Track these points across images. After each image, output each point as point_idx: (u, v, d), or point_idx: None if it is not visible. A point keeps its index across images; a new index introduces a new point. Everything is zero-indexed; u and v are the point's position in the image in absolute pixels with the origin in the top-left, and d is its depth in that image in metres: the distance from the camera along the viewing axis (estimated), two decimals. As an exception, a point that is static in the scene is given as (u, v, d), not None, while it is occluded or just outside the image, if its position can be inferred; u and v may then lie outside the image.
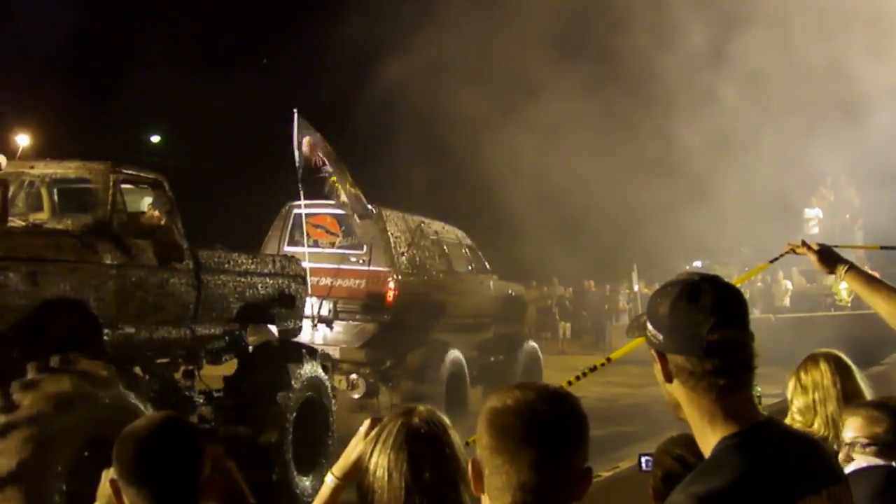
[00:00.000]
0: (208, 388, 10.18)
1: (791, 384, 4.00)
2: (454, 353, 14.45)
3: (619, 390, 19.47)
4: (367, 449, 2.54)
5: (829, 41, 22.84)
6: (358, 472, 2.55)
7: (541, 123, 26.35)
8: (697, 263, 30.01)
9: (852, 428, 3.38)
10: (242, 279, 10.13)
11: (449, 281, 15.43)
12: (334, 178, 13.73)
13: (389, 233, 14.18)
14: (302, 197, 14.05)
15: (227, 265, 9.89)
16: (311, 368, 10.36)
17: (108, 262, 8.10)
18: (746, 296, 2.42)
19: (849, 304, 25.77)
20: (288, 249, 13.85)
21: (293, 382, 9.96)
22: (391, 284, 13.85)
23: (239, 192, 27.08)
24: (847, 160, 26.34)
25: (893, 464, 3.25)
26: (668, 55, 23.70)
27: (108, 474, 2.70)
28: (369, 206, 13.98)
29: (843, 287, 26.35)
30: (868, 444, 3.32)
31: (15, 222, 8.24)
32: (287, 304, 10.99)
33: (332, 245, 14.36)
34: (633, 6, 25.24)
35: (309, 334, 13.08)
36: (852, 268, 4.28)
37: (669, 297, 2.20)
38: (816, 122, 24.06)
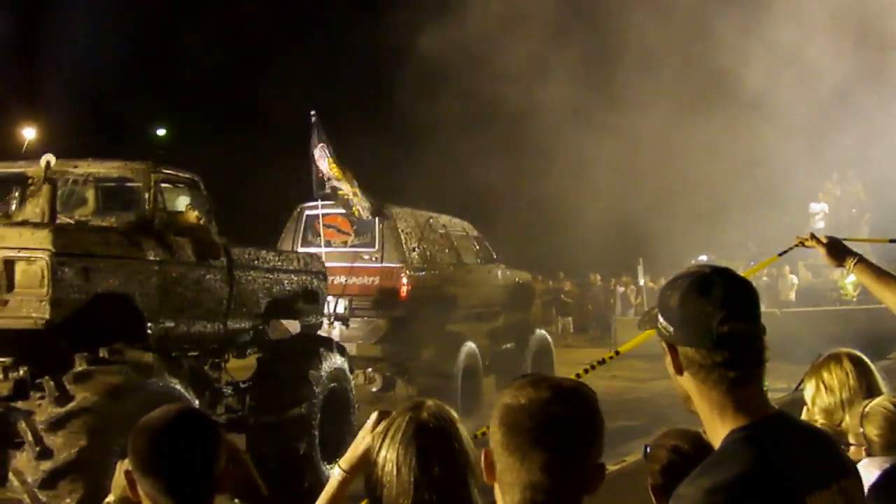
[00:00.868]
0: (234, 379, 10.77)
1: (812, 384, 3.96)
2: (469, 346, 15.01)
3: (625, 384, 19.66)
4: (375, 443, 2.59)
5: (835, 33, 23.27)
6: (365, 464, 2.60)
7: (547, 115, 26.80)
8: (703, 258, 30.23)
9: (875, 425, 3.44)
10: (270, 276, 10.72)
11: (459, 273, 16.00)
12: (342, 192, 14.30)
13: (400, 229, 14.73)
14: (316, 197, 14.63)
15: (256, 262, 10.50)
16: (335, 360, 10.95)
17: (152, 258, 8.72)
18: (752, 290, 2.53)
19: (854, 299, 26.04)
20: (301, 250, 14.40)
21: (320, 373, 10.54)
22: (404, 280, 14.40)
23: (246, 186, 27.61)
24: (854, 154, 26.76)
25: None
26: (675, 47, 23.98)
27: (123, 465, 2.82)
28: (378, 207, 14.55)
29: (849, 281, 26.43)
30: (891, 446, 3.39)
31: (62, 219, 8.80)
32: (310, 300, 11.59)
33: (345, 244, 14.90)
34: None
35: (325, 332, 13.65)
36: (861, 260, 4.32)
37: (680, 289, 2.23)
38: (823, 115, 24.51)
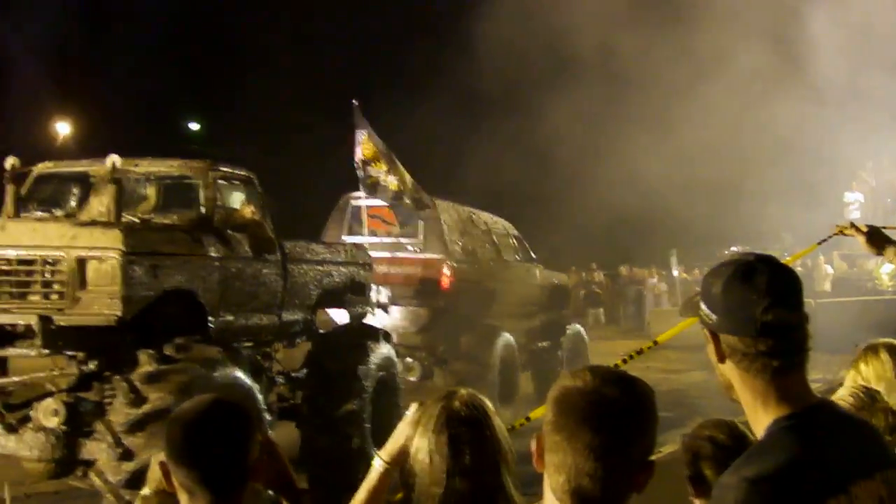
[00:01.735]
0: (284, 369, 11.23)
1: (851, 375, 3.98)
2: (506, 337, 15.41)
3: (659, 376, 19.59)
4: (408, 432, 2.68)
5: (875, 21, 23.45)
6: (405, 456, 2.67)
7: (583, 109, 27.16)
8: (736, 248, 30.51)
9: None
10: (320, 268, 11.17)
11: (498, 269, 16.42)
12: (372, 178, 14.72)
13: (443, 221, 15.16)
14: (360, 188, 15.06)
15: (307, 255, 10.96)
16: (385, 349, 11.39)
17: (213, 254, 9.18)
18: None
19: (890, 288, 26.31)
20: (346, 239, 14.84)
21: (371, 361, 10.98)
22: (445, 271, 14.81)
23: (281, 179, 28.06)
24: (890, 144, 26.92)
25: None
26: (716, 39, 24.15)
27: (158, 458, 2.84)
28: (425, 199, 14.96)
29: (885, 271, 26.72)
30: None
31: (125, 217, 9.27)
32: (358, 291, 12.04)
33: (389, 234, 15.32)
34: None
35: (368, 319, 14.11)
36: None
37: (723, 276, 2.24)
38: (858, 105, 24.69)
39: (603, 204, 29.67)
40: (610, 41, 25.47)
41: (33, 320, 8.10)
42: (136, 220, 9.31)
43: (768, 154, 29.36)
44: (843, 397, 3.53)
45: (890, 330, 4.29)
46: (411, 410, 2.74)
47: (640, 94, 27.65)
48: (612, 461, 2.04)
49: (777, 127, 28.59)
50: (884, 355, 3.95)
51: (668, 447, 7.05)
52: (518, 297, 16.87)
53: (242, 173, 10.24)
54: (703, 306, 2.28)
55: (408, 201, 14.74)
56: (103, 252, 8.11)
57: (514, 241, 17.68)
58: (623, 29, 25.86)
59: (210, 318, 9.10)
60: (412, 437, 2.65)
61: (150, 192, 10.14)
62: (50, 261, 8.22)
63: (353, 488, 2.85)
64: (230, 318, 9.42)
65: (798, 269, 27.05)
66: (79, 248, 8.16)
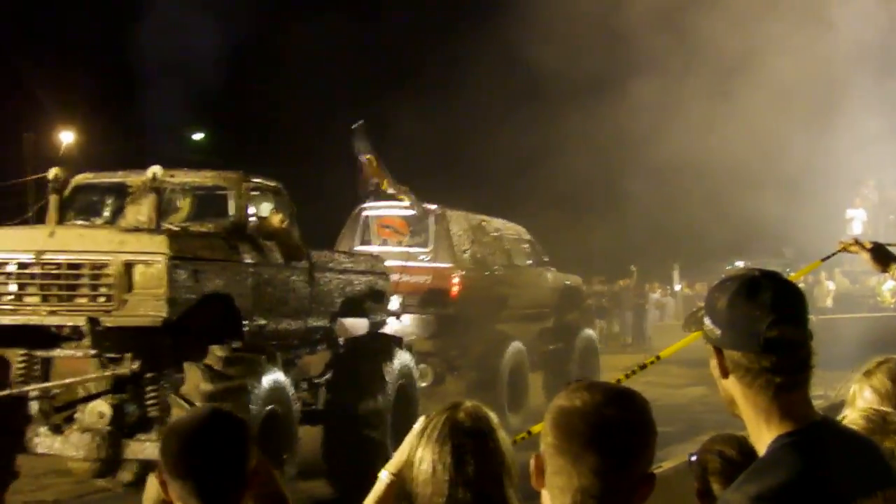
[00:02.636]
0: (307, 374, 11.85)
1: (859, 389, 3.85)
2: (516, 345, 16.06)
3: (660, 391, 19.59)
4: (413, 442, 2.71)
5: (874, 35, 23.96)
6: (409, 467, 2.70)
7: (582, 120, 27.76)
8: (739, 264, 30.92)
9: None
10: (343, 277, 11.83)
11: (510, 275, 17.12)
12: (385, 185, 15.47)
13: (452, 232, 15.87)
14: (364, 197, 15.78)
15: (331, 264, 11.62)
16: (405, 358, 12.05)
17: (247, 261, 9.84)
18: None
19: (893, 305, 26.77)
20: (359, 249, 15.51)
21: (392, 371, 11.62)
22: (455, 280, 15.52)
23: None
24: (892, 160, 27.42)
25: None
26: (717, 46, 24.64)
27: (152, 477, 2.95)
28: (423, 206, 15.72)
29: (887, 288, 26.96)
30: None
31: (164, 225, 9.92)
32: (377, 300, 12.70)
33: (400, 244, 15.99)
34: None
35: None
36: None
37: (728, 291, 2.27)
38: (862, 120, 25.23)
39: (605, 218, 30.34)
40: (603, 60, 26.14)
41: (82, 322, 8.76)
42: (175, 228, 9.94)
43: (770, 169, 29.86)
44: (854, 420, 3.42)
45: (892, 347, 4.23)
46: (419, 423, 2.77)
47: (642, 109, 28.16)
48: (618, 480, 2.09)
49: (780, 142, 29.14)
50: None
51: (668, 462, 7.35)
52: (529, 300, 17.56)
53: (272, 183, 10.91)
54: (707, 321, 2.31)
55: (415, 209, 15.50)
56: (150, 257, 8.74)
57: (527, 245, 18.39)
58: (627, 42, 26.50)
59: (245, 322, 9.73)
60: (416, 446, 2.69)
61: (183, 201, 10.76)
62: (98, 265, 8.85)
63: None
64: (262, 322, 10.06)
65: (800, 285, 27.92)
66: (126, 253, 8.79)
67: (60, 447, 9.31)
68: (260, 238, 10.29)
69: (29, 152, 27.82)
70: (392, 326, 14.93)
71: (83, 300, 8.96)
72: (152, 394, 9.23)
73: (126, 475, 10.06)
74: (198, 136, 33.29)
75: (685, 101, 26.19)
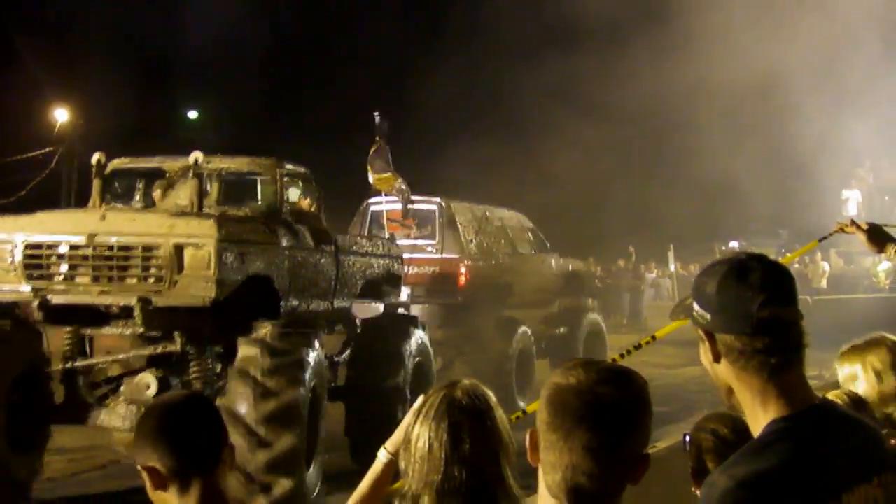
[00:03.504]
0: (328, 353, 12.65)
1: (859, 368, 3.99)
2: (523, 329, 16.94)
3: (655, 371, 20.42)
4: (410, 420, 2.79)
5: (870, 20, 24.62)
6: (407, 444, 2.78)
7: (579, 102, 28.48)
8: (734, 244, 31.47)
9: None
10: (364, 260, 12.65)
11: (514, 262, 18.04)
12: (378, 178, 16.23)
13: (458, 223, 16.77)
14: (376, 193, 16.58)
15: (354, 247, 12.45)
16: (422, 336, 12.90)
17: (284, 244, 10.65)
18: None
19: (887, 287, 27.33)
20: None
21: (409, 348, 12.46)
22: (462, 269, 16.42)
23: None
24: (888, 142, 28.14)
25: None
26: (709, 36, 25.22)
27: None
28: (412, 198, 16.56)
29: (882, 269, 27.77)
30: None
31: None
32: (393, 282, 13.54)
33: (408, 237, 16.79)
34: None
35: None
36: None
37: (717, 275, 2.30)
38: (857, 103, 25.93)
39: (601, 200, 31.01)
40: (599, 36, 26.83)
41: (133, 301, 9.55)
42: (215, 212, 10.72)
43: (766, 151, 30.41)
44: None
45: (887, 328, 4.33)
46: (418, 403, 2.83)
47: (638, 88, 28.78)
48: (609, 458, 2.12)
49: (776, 124, 29.79)
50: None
51: (663, 442, 7.60)
52: (534, 287, 18.44)
53: (301, 169, 11.71)
54: (696, 307, 2.35)
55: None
56: (200, 240, 9.50)
57: (529, 233, 19.28)
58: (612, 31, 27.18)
59: (282, 303, 10.55)
60: (413, 424, 2.75)
61: (213, 186, 11.53)
62: (149, 247, 9.63)
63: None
64: (296, 303, 10.87)
65: (795, 266, 28.15)
66: (177, 236, 9.55)
67: (106, 419, 10.06)
68: (294, 222, 11.09)
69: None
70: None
71: (133, 281, 9.73)
72: (195, 368, 10.04)
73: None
74: (192, 115, 33.97)
75: (680, 81, 26.89)
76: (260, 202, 11.34)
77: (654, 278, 34.86)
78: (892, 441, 3.37)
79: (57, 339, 10.26)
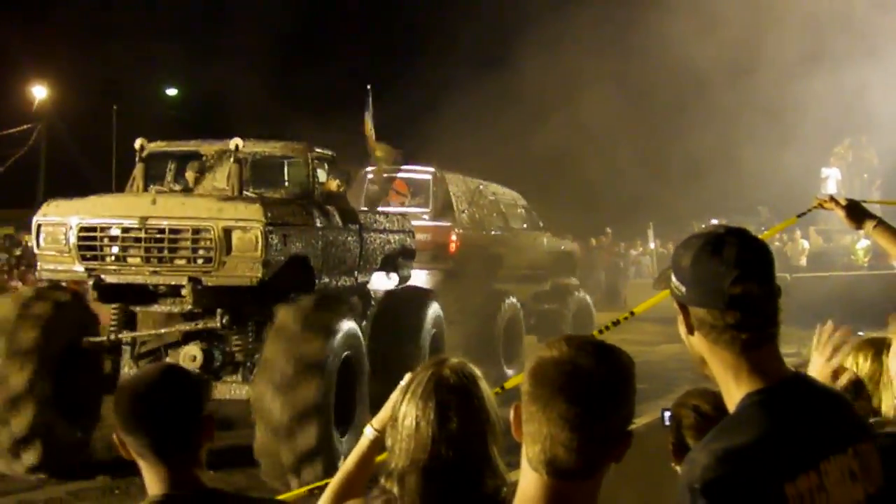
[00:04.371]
0: None
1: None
2: (511, 300, 17.83)
3: (635, 348, 20.01)
4: (397, 398, 2.81)
5: None
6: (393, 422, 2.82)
7: (559, 78, 29.27)
8: (714, 222, 32.25)
9: None
10: (383, 236, 13.62)
11: (506, 236, 19.02)
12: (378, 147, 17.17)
13: (451, 192, 17.69)
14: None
15: (375, 224, 13.41)
16: (436, 309, 13.93)
17: (318, 224, 11.60)
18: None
19: (866, 265, 28.02)
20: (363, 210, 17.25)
21: (427, 318, 13.52)
22: (453, 237, 17.30)
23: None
24: (867, 120, 29.03)
25: None
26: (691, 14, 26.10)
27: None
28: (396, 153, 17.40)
29: (861, 247, 28.36)
30: None
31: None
32: (408, 256, 14.53)
33: (402, 204, 17.71)
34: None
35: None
36: (881, 223, 4.59)
37: (693, 248, 2.35)
38: (837, 80, 26.77)
39: (580, 177, 31.72)
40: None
41: (183, 281, 10.49)
42: (254, 195, 11.65)
43: (746, 128, 31.31)
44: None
45: (865, 305, 4.60)
46: (406, 380, 2.88)
47: (618, 65, 29.60)
48: (588, 432, 2.14)
49: (755, 101, 30.71)
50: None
51: (642, 418, 7.84)
52: (525, 262, 19.44)
53: (329, 153, 12.64)
54: (673, 278, 2.40)
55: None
56: (247, 223, 10.44)
57: (523, 210, 20.27)
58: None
59: (316, 280, 11.51)
60: (400, 402, 2.79)
61: (244, 170, 12.37)
62: (199, 230, 10.55)
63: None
64: (328, 280, 11.85)
65: (774, 244, 28.98)
66: (225, 220, 10.47)
67: None
68: (325, 203, 12.03)
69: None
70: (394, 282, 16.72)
71: (183, 262, 10.65)
72: (237, 341, 11.02)
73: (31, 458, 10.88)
74: (171, 92, 34.59)
75: (661, 59, 27.77)
76: (291, 185, 12.26)
77: (635, 255, 35.76)
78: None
79: (106, 315, 11.24)
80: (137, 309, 11.25)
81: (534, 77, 28.96)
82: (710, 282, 2.29)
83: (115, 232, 10.78)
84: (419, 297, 13.91)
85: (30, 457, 10.50)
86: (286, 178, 12.69)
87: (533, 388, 2.19)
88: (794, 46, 26.96)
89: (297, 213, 11.33)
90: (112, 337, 11.17)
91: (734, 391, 2.32)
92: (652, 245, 34.88)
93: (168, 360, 11.11)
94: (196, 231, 10.57)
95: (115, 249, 10.81)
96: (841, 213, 4.74)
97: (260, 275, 10.50)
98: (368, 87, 17.43)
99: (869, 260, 28.32)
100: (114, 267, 10.80)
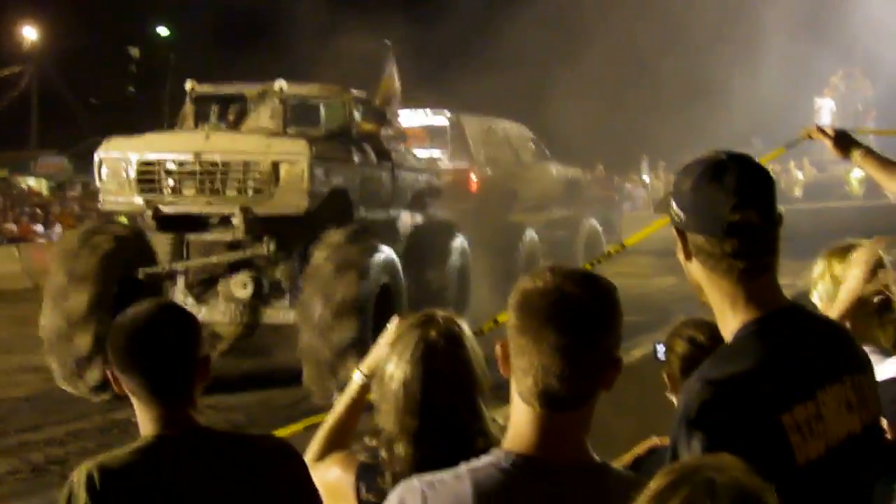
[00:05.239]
0: None
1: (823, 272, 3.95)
2: (530, 232, 18.75)
3: (630, 281, 20.31)
4: (384, 353, 2.91)
5: None
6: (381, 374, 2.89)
7: (550, 11, 30.06)
8: None
9: None
10: (413, 174, 14.67)
11: (519, 171, 20.02)
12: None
13: (468, 134, 18.72)
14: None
15: (405, 163, 14.42)
16: (462, 241, 14.97)
17: (356, 161, 12.65)
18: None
19: (860, 195, 29.10)
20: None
21: (454, 249, 14.56)
22: (473, 178, 18.35)
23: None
24: (862, 51, 29.77)
25: None
26: None
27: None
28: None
29: (855, 177, 29.66)
30: None
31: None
32: (435, 195, 15.60)
33: (422, 148, 18.66)
34: None
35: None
36: (869, 152, 4.60)
37: (693, 174, 2.34)
38: (832, 11, 27.46)
39: (573, 110, 32.50)
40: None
41: (235, 211, 11.52)
42: (295, 132, 12.63)
43: (739, 58, 32.18)
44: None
45: (858, 236, 4.17)
46: (392, 324, 2.98)
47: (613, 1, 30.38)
48: (579, 359, 2.17)
49: (749, 31, 31.46)
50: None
51: (637, 350, 7.83)
52: (536, 193, 20.43)
53: (363, 95, 13.62)
54: (673, 204, 2.39)
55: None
56: (294, 157, 11.48)
57: (531, 143, 21.31)
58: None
59: (354, 213, 12.57)
60: (386, 361, 2.85)
61: (286, 110, 13.26)
62: (249, 164, 11.58)
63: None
64: (364, 213, 12.90)
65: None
66: (274, 154, 11.52)
67: (207, 315, 11.97)
68: (360, 141, 13.05)
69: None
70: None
71: (234, 193, 11.69)
72: (283, 269, 12.11)
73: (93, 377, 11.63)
74: (163, 32, 35.13)
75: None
76: (327, 124, 13.20)
77: (630, 188, 36.68)
78: None
79: (161, 244, 12.32)
80: (191, 238, 12.29)
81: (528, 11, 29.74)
82: (710, 209, 2.29)
83: (171, 166, 11.82)
84: (446, 231, 14.90)
85: (93, 375, 11.35)
86: (322, 118, 13.50)
87: (520, 320, 2.21)
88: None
89: (338, 149, 12.37)
90: (167, 267, 12.21)
91: (730, 320, 2.34)
92: (646, 177, 35.71)
93: (220, 287, 12.16)
94: (246, 164, 11.61)
95: (171, 182, 11.83)
96: (829, 143, 4.74)
97: (306, 205, 11.54)
98: (387, 42, 18.09)
99: (864, 190, 29.14)
100: (170, 198, 11.81)
